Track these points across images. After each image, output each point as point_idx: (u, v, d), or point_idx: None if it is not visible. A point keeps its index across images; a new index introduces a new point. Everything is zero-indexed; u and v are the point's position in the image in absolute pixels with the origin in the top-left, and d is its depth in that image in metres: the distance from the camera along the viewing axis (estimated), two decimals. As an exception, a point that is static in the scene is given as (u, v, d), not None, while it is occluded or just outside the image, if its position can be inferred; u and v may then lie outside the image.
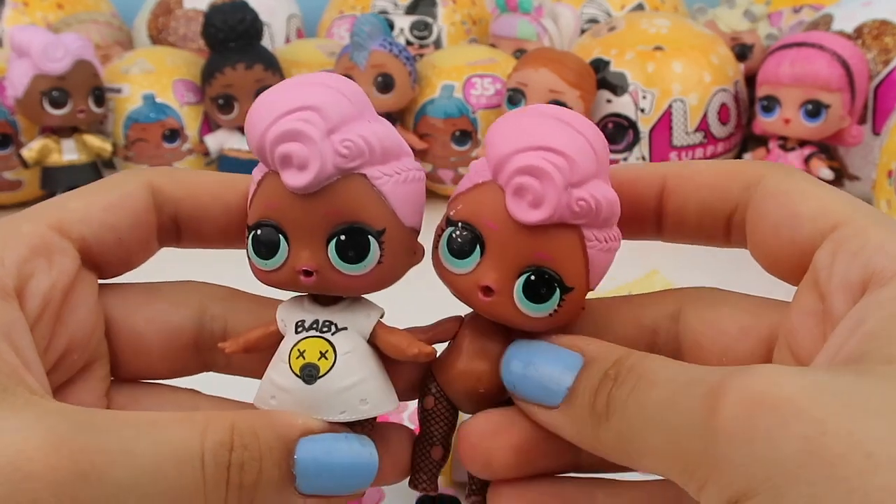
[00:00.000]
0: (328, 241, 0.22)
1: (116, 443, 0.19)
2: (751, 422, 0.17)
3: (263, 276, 0.24)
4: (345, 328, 0.24)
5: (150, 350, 0.27)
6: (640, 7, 0.78)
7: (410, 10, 0.77)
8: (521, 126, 0.22)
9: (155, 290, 0.27)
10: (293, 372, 0.23)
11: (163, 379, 0.28)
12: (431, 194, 0.70)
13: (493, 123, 0.23)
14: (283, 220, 0.23)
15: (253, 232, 0.23)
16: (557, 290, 0.22)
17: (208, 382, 0.28)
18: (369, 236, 0.22)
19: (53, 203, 0.25)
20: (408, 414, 0.40)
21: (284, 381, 0.23)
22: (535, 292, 0.22)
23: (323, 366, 0.23)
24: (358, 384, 0.23)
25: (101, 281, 0.26)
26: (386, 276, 0.23)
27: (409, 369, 0.26)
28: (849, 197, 0.23)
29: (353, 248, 0.22)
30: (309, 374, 0.23)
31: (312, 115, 0.21)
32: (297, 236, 0.23)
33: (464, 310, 0.25)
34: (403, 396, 0.26)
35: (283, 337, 0.24)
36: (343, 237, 0.22)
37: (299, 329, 0.24)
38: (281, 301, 0.26)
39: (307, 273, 0.23)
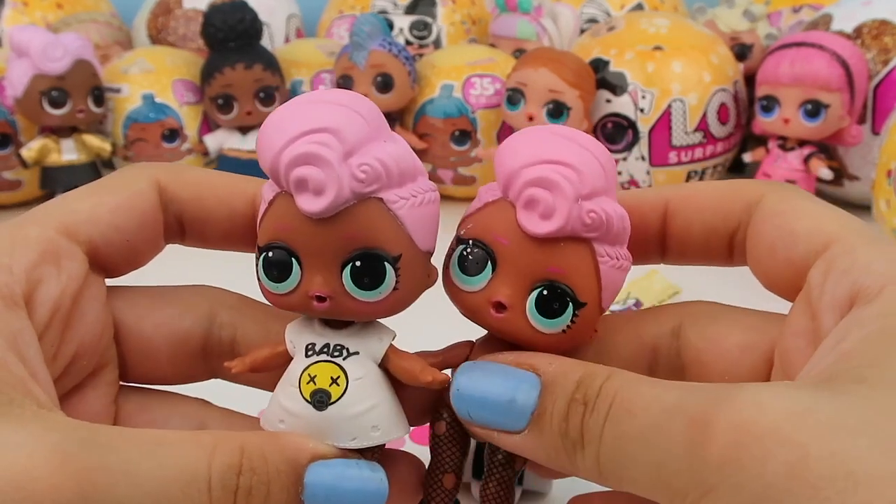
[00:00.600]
0: (343, 267, 0.22)
1: (121, 463, 0.19)
2: (738, 452, 0.17)
3: (274, 299, 0.23)
4: (356, 353, 0.23)
5: (158, 355, 0.26)
6: (639, 7, 0.78)
7: (410, 10, 0.77)
8: (528, 143, 0.22)
9: (164, 294, 0.27)
10: (303, 397, 0.22)
11: (171, 384, 0.28)
12: (431, 194, 0.70)
13: (500, 145, 0.23)
14: (296, 243, 0.22)
15: (264, 254, 0.22)
16: (570, 305, 0.22)
17: (218, 390, 0.28)
18: (385, 262, 0.22)
19: (59, 205, 0.25)
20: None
21: (294, 406, 0.23)
22: (549, 307, 0.22)
23: (335, 392, 0.22)
24: (370, 410, 0.23)
25: (108, 282, 0.26)
26: (401, 302, 0.23)
27: (420, 394, 0.25)
28: (845, 215, 0.23)
29: (369, 274, 0.22)
30: (319, 400, 0.22)
31: (329, 137, 0.21)
32: (310, 261, 0.22)
33: (473, 334, 0.25)
34: (414, 421, 0.25)
35: (291, 358, 0.24)
36: (358, 263, 0.22)
37: (309, 353, 0.23)
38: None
39: (321, 299, 0.22)
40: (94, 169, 0.64)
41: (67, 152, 0.62)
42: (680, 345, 0.25)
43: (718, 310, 0.26)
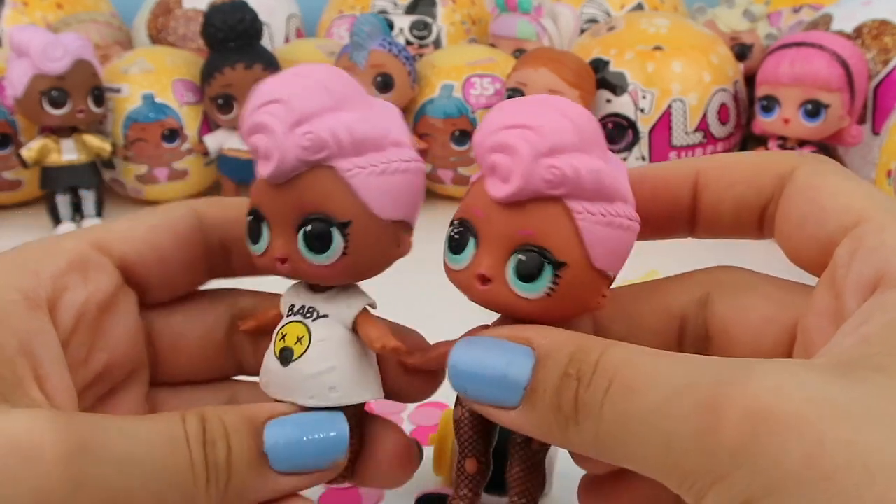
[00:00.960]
0: (297, 231, 0.23)
1: (115, 425, 0.21)
2: (754, 440, 0.17)
3: (256, 261, 0.24)
4: (325, 315, 0.24)
5: (188, 349, 0.28)
6: (639, 7, 0.78)
7: (410, 10, 0.77)
8: (496, 113, 0.22)
9: (190, 300, 0.28)
10: (274, 353, 0.24)
11: (200, 380, 0.29)
12: (431, 194, 0.70)
13: None
14: (264, 208, 0.23)
15: (247, 219, 0.24)
16: (548, 265, 0.22)
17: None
18: (332, 228, 0.23)
19: (100, 225, 0.26)
20: (407, 414, 0.40)
21: (269, 363, 0.24)
22: (526, 271, 0.22)
23: (297, 350, 0.24)
24: (328, 372, 0.24)
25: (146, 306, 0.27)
26: (357, 268, 0.24)
27: (396, 369, 0.26)
28: (878, 193, 0.23)
29: (317, 238, 0.23)
30: (284, 356, 0.24)
31: (278, 107, 0.22)
32: (274, 225, 0.23)
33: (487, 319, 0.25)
34: (393, 395, 0.27)
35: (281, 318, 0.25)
36: (309, 228, 0.23)
37: (289, 313, 0.25)
38: None
39: (282, 261, 0.23)
40: (95, 169, 0.64)
41: (67, 152, 0.62)
42: (707, 315, 0.25)
43: (747, 279, 0.25)
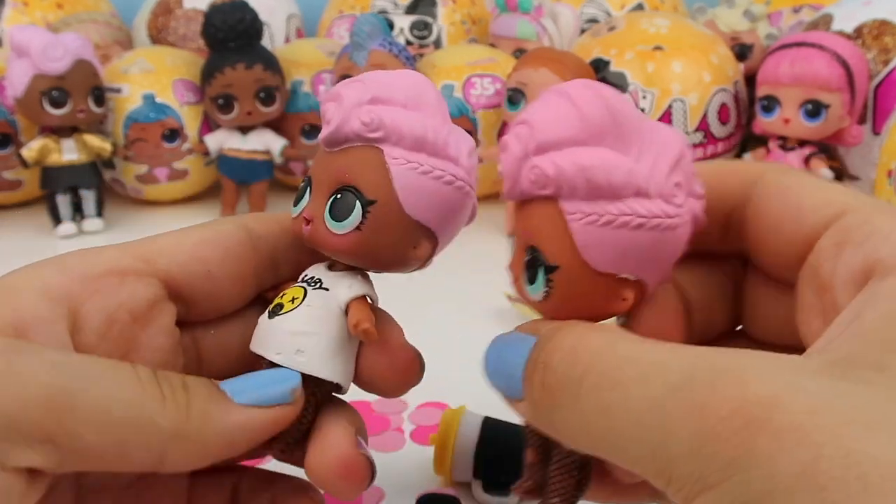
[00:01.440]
0: (330, 197, 0.24)
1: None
2: (752, 450, 0.16)
3: (292, 223, 0.25)
4: (326, 289, 0.25)
5: (231, 370, 0.26)
6: (639, 7, 0.78)
7: (410, 10, 0.77)
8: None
9: (238, 311, 0.28)
10: (269, 307, 0.25)
11: None
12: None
13: None
14: (313, 173, 0.25)
15: (301, 185, 0.25)
16: (541, 268, 0.21)
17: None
18: (357, 200, 0.23)
19: (146, 238, 0.26)
20: (407, 414, 0.40)
21: (261, 317, 0.25)
22: (338, 210, 0.24)
23: (286, 307, 0.25)
24: (303, 335, 0.24)
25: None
26: (366, 247, 0.24)
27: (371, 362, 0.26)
28: (851, 189, 0.22)
29: (341, 206, 0.24)
30: (273, 310, 0.25)
31: (357, 84, 0.24)
32: (315, 189, 0.24)
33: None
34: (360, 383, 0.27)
35: None
36: (339, 196, 0.24)
37: (301, 281, 0.26)
38: None
39: (307, 220, 0.24)
40: (95, 169, 0.64)
41: (68, 152, 0.62)
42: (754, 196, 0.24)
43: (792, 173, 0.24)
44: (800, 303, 0.22)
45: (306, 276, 0.26)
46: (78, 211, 0.64)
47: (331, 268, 0.26)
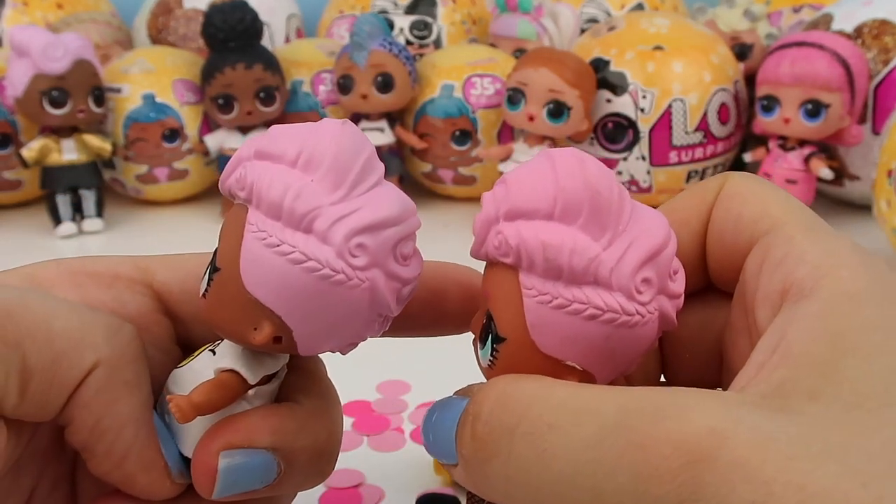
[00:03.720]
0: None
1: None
2: (698, 491, 0.16)
3: None
4: (213, 352, 0.22)
5: None
6: (639, 7, 0.78)
7: (410, 10, 0.77)
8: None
9: None
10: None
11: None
12: (431, 194, 0.70)
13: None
14: None
15: None
16: (490, 335, 0.20)
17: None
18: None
19: (155, 255, 0.25)
20: (407, 414, 0.40)
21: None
22: (482, 335, 0.21)
23: (186, 360, 0.23)
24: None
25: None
26: (209, 314, 0.22)
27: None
28: (789, 200, 0.22)
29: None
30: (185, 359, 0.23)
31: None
32: None
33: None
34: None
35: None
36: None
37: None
38: None
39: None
40: (95, 169, 0.64)
41: (68, 152, 0.62)
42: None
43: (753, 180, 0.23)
44: (730, 322, 0.22)
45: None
46: (78, 211, 0.64)
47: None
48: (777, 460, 0.16)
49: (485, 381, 0.21)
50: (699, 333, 0.23)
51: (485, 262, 0.21)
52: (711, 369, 0.23)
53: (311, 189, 0.19)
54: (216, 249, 0.21)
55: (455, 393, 0.21)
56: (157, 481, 0.22)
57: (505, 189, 0.20)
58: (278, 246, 0.19)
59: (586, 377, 0.20)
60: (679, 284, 0.21)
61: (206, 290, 0.21)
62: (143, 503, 0.22)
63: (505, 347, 0.20)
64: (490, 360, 0.21)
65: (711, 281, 0.23)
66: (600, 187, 0.19)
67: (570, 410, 0.18)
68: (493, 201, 0.20)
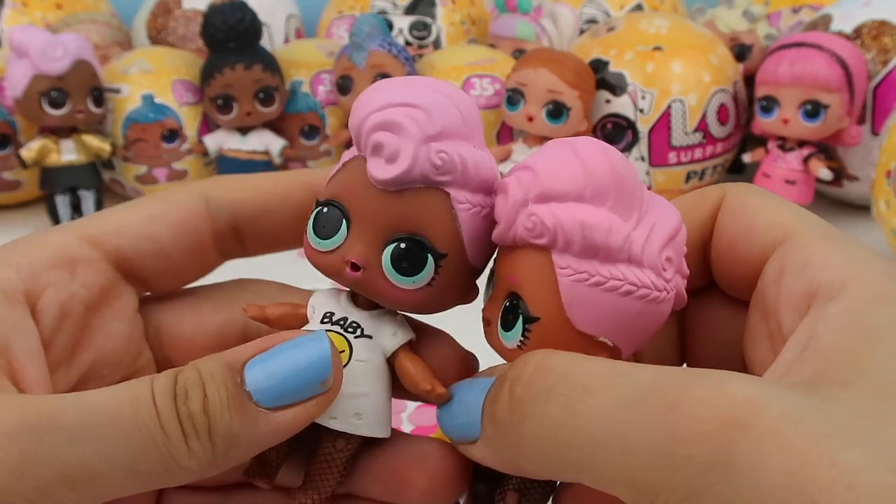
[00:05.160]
0: (387, 244, 0.21)
1: (73, 397, 0.20)
2: (732, 455, 0.16)
3: (313, 255, 0.22)
4: (370, 336, 0.23)
5: (200, 354, 0.26)
6: (639, 7, 0.78)
7: (409, 11, 0.77)
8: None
9: (201, 294, 0.27)
10: None
11: None
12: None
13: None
14: (354, 206, 0.22)
15: (319, 208, 0.22)
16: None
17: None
18: (429, 254, 0.21)
19: (92, 216, 0.25)
20: (407, 414, 0.40)
21: None
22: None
23: None
24: (359, 396, 0.22)
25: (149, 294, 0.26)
26: (431, 301, 0.22)
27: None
28: (801, 211, 0.22)
29: (409, 259, 0.21)
30: None
31: (419, 113, 0.20)
32: (359, 226, 0.22)
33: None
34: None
35: (306, 321, 0.23)
36: (403, 245, 0.21)
37: (325, 320, 0.23)
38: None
39: (355, 267, 0.21)
40: (94, 169, 0.64)
41: (67, 153, 0.62)
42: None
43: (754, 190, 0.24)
44: (749, 328, 0.22)
45: (333, 315, 0.23)
46: (77, 211, 0.64)
47: (357, 302, 0.23)
48: (811, 435, 0.16)
49: (505, 363, 0.21)
50: (716, 342, 0.24)
51: (501, 248, 0.22)
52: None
53: (615, 220, 0.20)
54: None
55: (474, 376, 0.22)
56: None
57: (532, 174, 0.20)
58: (606, 283, 0.20)
59: (615, 353, 0.21)
60: (686, 267, 0.22)
61: (520, 342, 0.21)
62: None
63: (538, 327, 0.21)
64: (521, 341, 0.21)
65: (722, 289, 0.24)
66: (624, 171, 0.20)
67: (605, 376, 0.18)
68: (521, 185, 0.20)
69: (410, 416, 0.40)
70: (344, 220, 0.22)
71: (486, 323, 0.22)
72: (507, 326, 0.21)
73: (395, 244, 0.21)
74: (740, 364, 0.23)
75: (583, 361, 0.19)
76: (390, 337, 0.23)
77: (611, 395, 0.18)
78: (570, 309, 0.20)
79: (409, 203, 0.21)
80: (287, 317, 0.24)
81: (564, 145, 0.21)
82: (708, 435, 0.16)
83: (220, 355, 0.21)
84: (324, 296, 0.24)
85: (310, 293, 0.25)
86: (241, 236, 0.26)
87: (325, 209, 0.22)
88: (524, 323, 0.21)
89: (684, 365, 0.25)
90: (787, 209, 0.22)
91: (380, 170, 0.21)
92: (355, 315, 0.23)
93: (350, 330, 0.23)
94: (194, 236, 0.25)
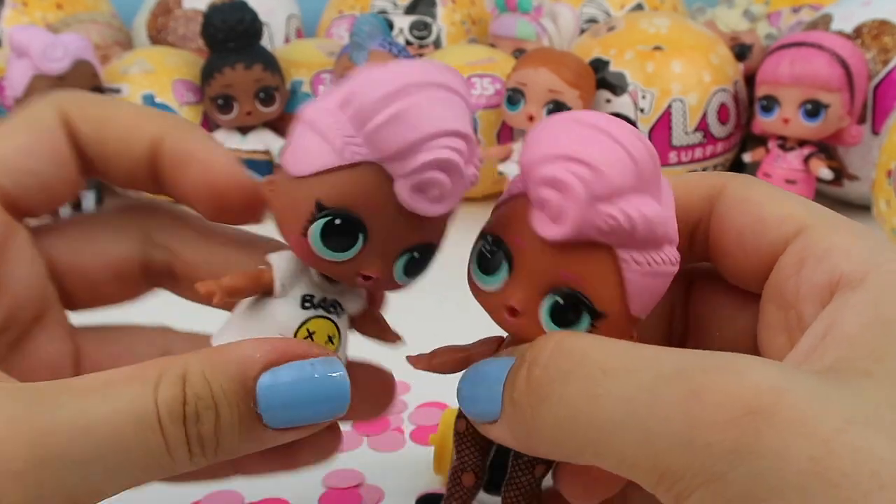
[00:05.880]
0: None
1: (71, 418, 0.19)
2: (756, 440, 0.16)
3: (310, 257, 0.22)
4: (344, 310, 0.24)
5: (99, 284, 0.26)
6: (639, 7, 0.78)
7: (410, 10, 0.77)
8: (551, 133, 0.21)
9: (96, 222, 0.27)
10: None
11: (117, 304, 0.27)
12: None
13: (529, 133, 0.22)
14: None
15: (329, 217, 0.21)
16: (587, 314, 0.21)
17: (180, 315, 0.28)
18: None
19: None
20: (407, 414, 0.40)
21: None
22: (562, 316, 0.21)
23: (331, 349, 0.23)
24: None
25: (37, 224, 0.26)
26: None
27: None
28: (808, 202, 0.23)
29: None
30: None
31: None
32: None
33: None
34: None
35: (271, 286, 0.23)
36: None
37: (307, 305, 0.23)
38: (236, 238, 0.26)
39: (513, 311, 0.21)
40: (94, 169, 0.64)
41: (67, 152, 0.62)
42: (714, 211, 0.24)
43: (753, 181, 0.24)
44: (763, 319, 0.22)
45: (314, 298, 0.23)
46: (77, 211, 0.64)
47: (327, 278, 0.23)
48: (835, 422, 0.16)
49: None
50: (723, 333, 0.24)
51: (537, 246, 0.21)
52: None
53: (660, 207, 0.21)
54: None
55: (494, 356, 0.22)
56: (245, 180, 0.23)
57: (590, 170, 0.20)
58: (659, 268, 0.21)
59: (638, 322, 0.22)
60: None
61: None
62: None
63: (605, 323, 0.21)
64: None
65: (728, 280, 0.24)
66: (653, 152, 0.21)
67: (627, 359, 0.18)
68: (582, 183, 0.20)
69: (411, 416, 0.40)
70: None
71: (512, 313, 0.22)
72: (566, 324, 0.21)
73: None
74: (667, 335, 0.24)
75: (602, 343, 0.19)
76: (356, 301, 0.24)
77: (632, 380, 0.18)
78: (631, 299, 0.21)
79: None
80: (251, 287, 0.23)
81: (599, 131, 0.21)
82: (730, 423, 0.16)
83: (231, 364, 0.20)
84: (291, 269, 0.23)
85: (203, 226, 0.25)
86: (101, 155, 0.25)
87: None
88: (592, 320, 0.21)
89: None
90: (796, 200, 0.22)
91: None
92: (330, 291, 0.23)
93: (332, 311, 0.23)
94: (68, 166, 0.25)
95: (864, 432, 0.16)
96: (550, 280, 0.21)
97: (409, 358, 0.24)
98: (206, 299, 0.22)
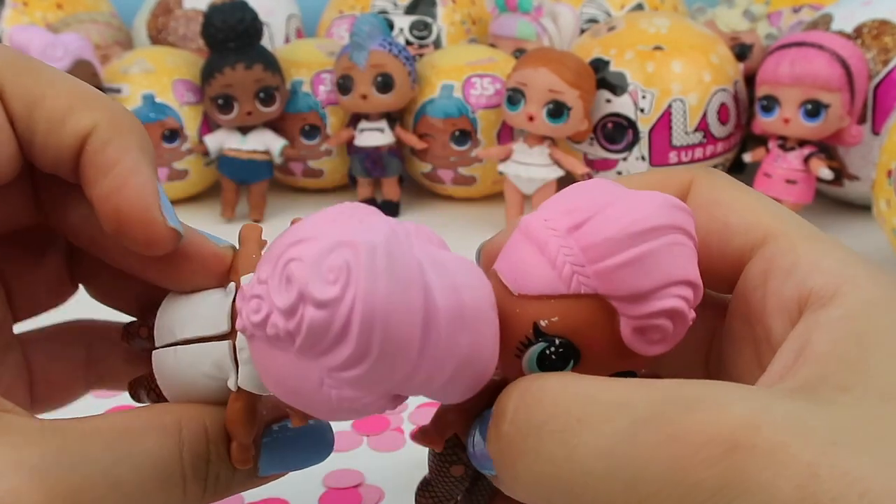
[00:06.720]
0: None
1: (101, 473, 0.19)
2: (741, 474, 0.16)
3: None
4: None
5: (39, 295, 0.26)
6: (639, 7, 0.78)
7: (410, 10, 0.77)
8: (653, 255, 0.20)
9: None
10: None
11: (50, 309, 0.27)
12: (431, 194, 0.70)
13: (598, 229, 0.20)
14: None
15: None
16: (566, 359, 0.21)
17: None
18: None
19: None
20: (407, 413, 0.40)
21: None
22: (548, 362, 0.21)
23: None
24: None
25: None
26: None
27: None
28: (779, 207, 0.22)
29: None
30: None
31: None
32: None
33: None
34: None
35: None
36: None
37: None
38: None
39: None
40: (95, 169, 0.64)
41: (67, 152, 0.62)
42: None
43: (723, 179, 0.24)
44: (729, 332, 0.22)
45: None
46: None
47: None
48: (818, 445, 0.16)
49: None
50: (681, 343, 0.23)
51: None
52: (695, 374, 0.24)
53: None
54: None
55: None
56: (152, 213, 0.22)
57: (693, 290, 0.21)
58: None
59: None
60: None
61: None
62: None
63: (585, 361, 0.21)
64: None
65: None
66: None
67: (600, 404, 0.18)
68: (690, 307, 0.20)
69: (410, 416, 0.40)
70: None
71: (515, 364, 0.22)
72: (549, 367, 0.21)
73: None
74: (704, 364, 0.23)
75: (572, 388, 0.19)
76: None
77: (609, 428, 0.17)
78: (628, 341, 0.21)
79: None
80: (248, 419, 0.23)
81: (692, 239, 0.21)
82: (713, 460, 0.16)
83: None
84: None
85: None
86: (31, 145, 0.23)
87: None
88: (574, 364, 0.21)
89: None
90: (764, 205, 0.22)
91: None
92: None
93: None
94: (7, 142, 0.22)
95: (848, 452, 0.15)
96: (616, 369, 0.21)
97: (412, 437, 0.24)
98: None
